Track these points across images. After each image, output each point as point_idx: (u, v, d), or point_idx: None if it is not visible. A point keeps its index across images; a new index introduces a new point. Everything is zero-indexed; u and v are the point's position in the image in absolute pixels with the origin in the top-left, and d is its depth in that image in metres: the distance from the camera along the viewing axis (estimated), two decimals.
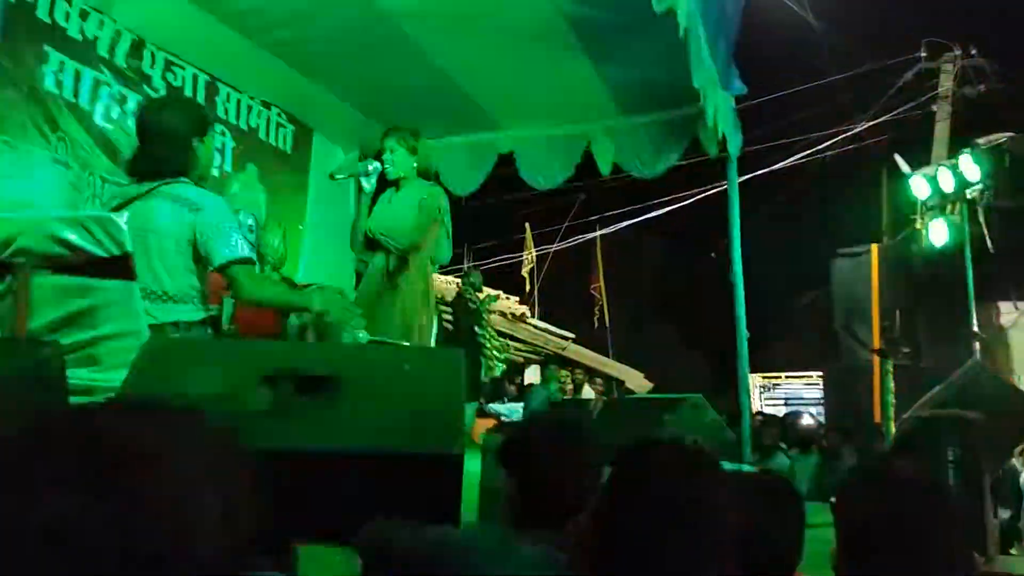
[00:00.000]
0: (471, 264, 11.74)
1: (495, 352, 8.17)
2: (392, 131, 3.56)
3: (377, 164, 3.42)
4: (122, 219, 1.99)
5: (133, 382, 1.59)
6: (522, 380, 12.31)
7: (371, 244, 3.47)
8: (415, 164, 3.48)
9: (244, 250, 2.31)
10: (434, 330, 3.56)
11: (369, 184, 3.39)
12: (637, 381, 12.74)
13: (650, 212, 13.71)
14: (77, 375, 1.86)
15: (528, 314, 12.20)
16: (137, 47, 4.10)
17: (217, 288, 2.48)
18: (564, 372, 11.71)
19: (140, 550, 0.50)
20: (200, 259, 2.29)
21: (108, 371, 1.92)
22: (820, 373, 13.36)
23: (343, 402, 1.61)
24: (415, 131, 3.60)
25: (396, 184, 3.50)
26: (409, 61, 4.41)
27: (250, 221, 4.86)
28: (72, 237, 1.96)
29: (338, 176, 3.47)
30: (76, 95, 3.78)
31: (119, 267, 1.97)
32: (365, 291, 3.44)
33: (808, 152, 11.71)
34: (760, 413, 9.77)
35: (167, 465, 0.54)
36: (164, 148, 2.33)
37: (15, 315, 1.92)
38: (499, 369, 8.14)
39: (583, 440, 1.50)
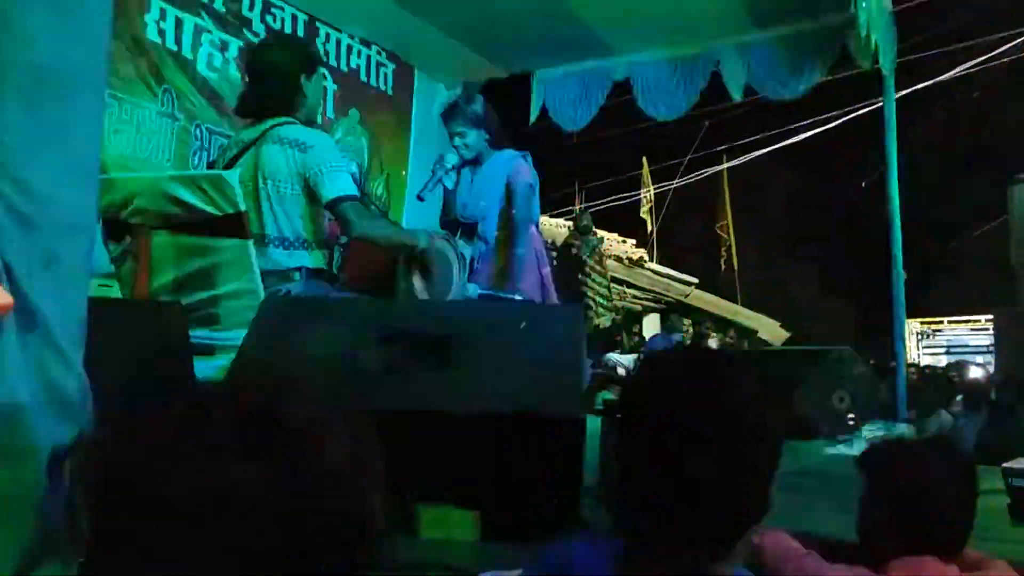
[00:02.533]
0: (583, 205, 11.66)
1: (600, 300, 8.09)
2: (452, 112, 3.55)
3: (451, 158, 3.43)
4: (234, 177, 2.11)
5: (253, 342, 1.70)
6: (640, 330, 12.25)
7: (467, 230, 3.51)
8: (487, 137, 3.46)
9: (352, 188, 2.42)
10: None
11: (452, 181, 3.44)
12: (772, 331, 12.35)
13: (787, 138, 12.98)
14: (198, 334, 2.01)
15: (646, 258, 12.03)
16: None
17: (334, 235, 2.60)
18: (687, 321, 11.55)
19: (310, 514, 0.55)
20: (315, 200, 2.40)
21: (228, 330, 2.06)
22: (990, 317, 12.42)
23: (458, 363, 1.66)
24: (472, 95, 3.60)
25: (474, 162, 3.50)
26: None
27: (354, 168, 5.01)
28: (187, 196, 2.10)
29: (426, 194, 3.44)
30: (179, 44, 3.97)
31: (234, 226, 2.10)
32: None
33: (978, 60, 10.65)
34: (917, 365, 9.26)
35: (322, 436, 0.59)
36: (272, 87, 2.44)
37: (137, 276, 2.09)
38: (607, 319, 8.03)
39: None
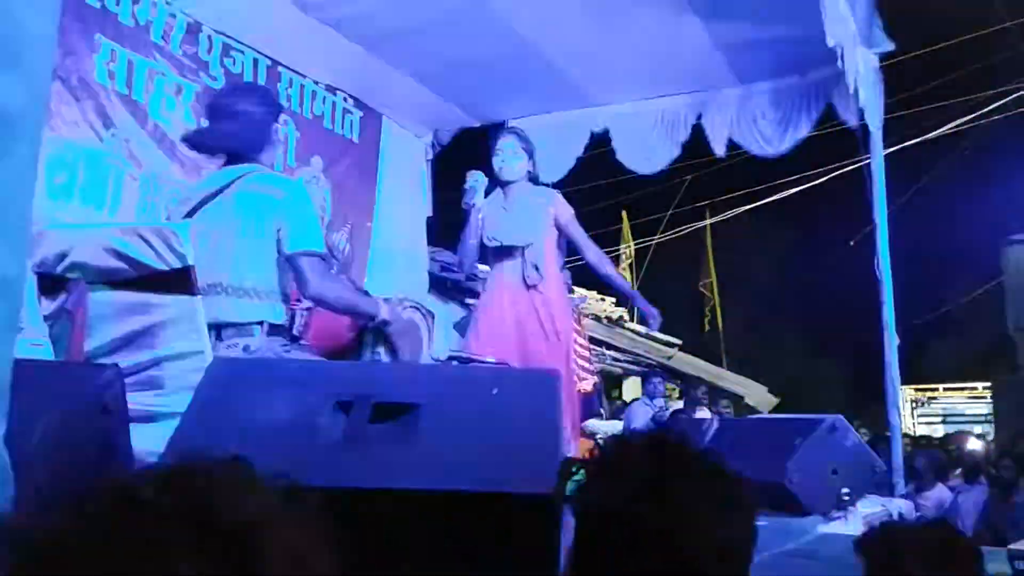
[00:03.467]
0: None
1: (581, 363, 8.10)
2: (508, 132, 3.81)
3: (480, 176, 3.63)
4: (184, 229, 2.09)
5: (198, 408, 1.65)
6: (620, 395, 12.22)
7: (495, 255, 3.66)
8: (529, 169, 3.69)
9: (319, 243, 2.42)
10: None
11: (479, 199, 3.60)
12: (760, 396, 12.40)
13: (772, 194, 13.29)
14: (138, 400, 1.96)
15: (626, 318, 12.08)
16: (193, 31, 4.29)
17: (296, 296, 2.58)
18: (670, 385, 11.54)
19: None
20: (281, 250, 2.39)
21: (171, 395, 2.01)
22: (987, 384, 12.61)
23: (421, 432, 1.62)
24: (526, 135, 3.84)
25: (503, 188, 3.67)
26: (488, 29, 4.44)
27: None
28: (131, 249, 2.07)
29: (474, 202, 3.60)
30: (129, 87, 3.98)
31: (181, 280, 2.07)
32: (494, 305, 3.61)
33: (971, 116, 11.05)
34: (912, 435, 9.32)
35: (271, 531, 0.57)
36: (245, 131, 2.45)
37: (71, 335, 2.05)
38: (588, 383, 8.04)
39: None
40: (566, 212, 3.66)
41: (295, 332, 2.52)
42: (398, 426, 1.62)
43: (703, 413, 7.13)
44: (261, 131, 2.49)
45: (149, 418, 1.98)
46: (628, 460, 1.04)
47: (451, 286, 7.88)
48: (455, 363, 2.77)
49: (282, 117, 4.70)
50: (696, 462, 1.01)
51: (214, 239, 2.34)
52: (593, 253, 3.78)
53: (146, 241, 2.06)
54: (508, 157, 3.64)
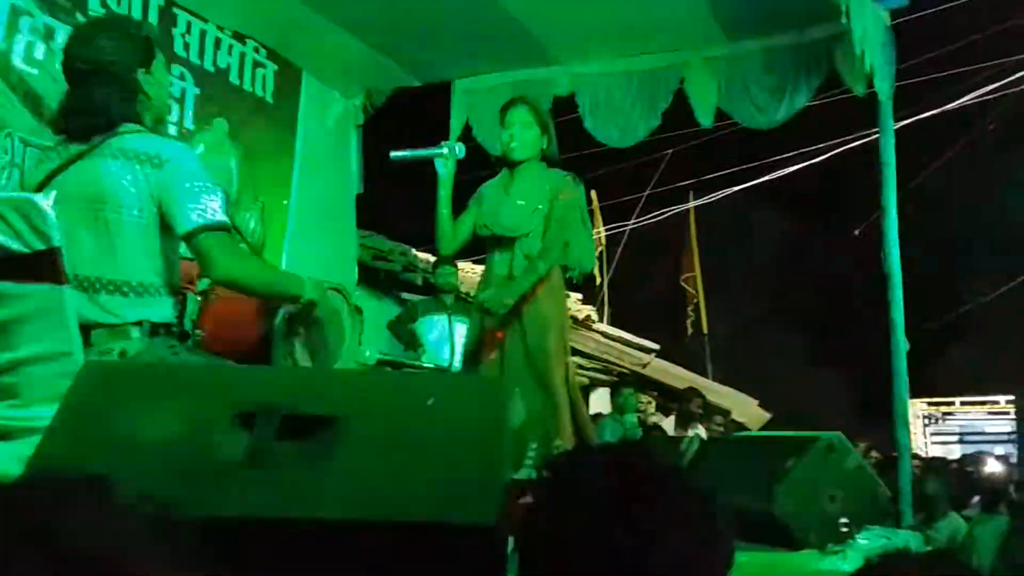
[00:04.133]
0: None
1: None
2: (520, 102, 3.85)
3: (460, 146, 3.76)
4: (46, 201, 2.04)
5: (65, 422, 1.62)
6: (587, 409, 12.29)
7: (489, 243, 3.80)
8: (543, 146, 3.77)
9: (222, 215, 2.37)
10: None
11: (447, 168, 3.69)
12: (748, 411, 12.60)
13: (766, 174, 13.49)
14: None
15: (595, 318, 12.16)
16: None
17: (188, 278, 2.53)
18: (645, 398, 11.66)
19: None
20: (169, 232, 2.34)
21: (31, 406, 1.97)
22: (1010, 398, 12.99)
23: (342, 450, 1.62)
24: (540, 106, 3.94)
25: (511, 169, 3.77)
26: None
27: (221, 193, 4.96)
28: None
29: (398, 156, 3.75)
30: None
31: (44, 267, 2.02)
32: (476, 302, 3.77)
33: (995, 84, 11.34)
34: (924, 456, 9.56)
35: (122, 564, 0.56)
36: (101, 88, 2.38)
37: None
38: None
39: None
40: (569, 197, 3.73)
41: (188, 325, 2.48)
42: (312, 443, 1.60)
43: (698, 432, 7.22)
44: (128, 85, 2.43)
45: (5, 434, 1.93)
46: (584, 480, 1.05)
47: (385, 278, 7.86)
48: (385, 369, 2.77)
49: (175, 69, 4.64)
50: (664, 481, 1.03)
51: (71, 221, 2.26)
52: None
53: (1, 217, 2.01)
54: (518, 131, 3.71)
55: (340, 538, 1.52)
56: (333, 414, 1.64)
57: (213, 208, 2.35)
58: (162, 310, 2.38)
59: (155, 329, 2.35)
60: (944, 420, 14.51)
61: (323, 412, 1.64)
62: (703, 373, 13.52)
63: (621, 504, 0.97)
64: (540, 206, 3.70)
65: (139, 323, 2.33)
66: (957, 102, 11.58)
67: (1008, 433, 12.77)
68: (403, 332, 6.41)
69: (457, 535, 1.48)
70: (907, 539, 3.80)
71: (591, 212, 14.51)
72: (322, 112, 5.72)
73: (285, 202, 5.47)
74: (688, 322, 15.32)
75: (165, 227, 2.36)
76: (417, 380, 2.20)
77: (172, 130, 4.64)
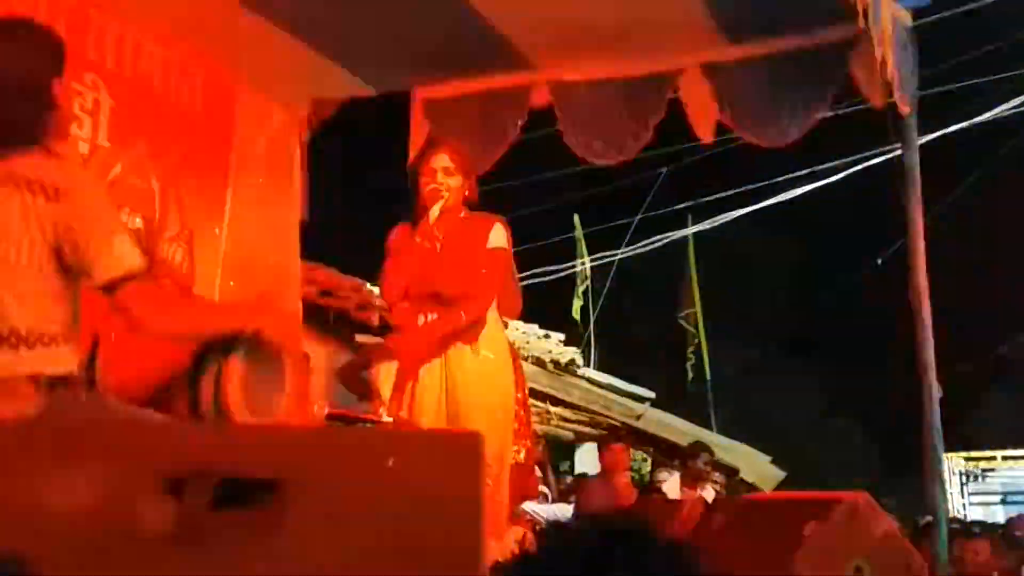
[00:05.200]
0: None
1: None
2: (436, 145, 4.29)
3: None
4: None
5: None
6: (571, 467, 12.27)
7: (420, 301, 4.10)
8: (466, 192, 4.17)
9: (133, 259, 2.37)
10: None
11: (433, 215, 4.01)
12: (759, 468, 12.63)
13: (775, 196, 13.62)
14: None
15: (580, 362, 12.18)
16: None
17: (94, 316, 2.52)
18: (639, 455, 11.66)
19: None
20: (68, 272, 2.33)
21: None
22: None
23: (288, 521, 1.61)
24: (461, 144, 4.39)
25: (434, 220, 4.06)
26: None
27: (136, 223, 4.92)
28: None
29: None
30: None
31: None
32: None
33: None
34: (963, 520, 9.60)
35: None
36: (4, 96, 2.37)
37: None
38: (518, 452, 8.14)
39: None
40: (501, 242, 4.13)
41: (92, 376, 2.47)
42: (253, 513, 1.60)
43: (706, 492, 7.22)
44: (35, 97, 2.42)
45: None
46: (571, 557, 1.06)
47: (335, 318, 7.84)
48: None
49: (87, 77, 4.61)
50: (663, 558, 1.03)
51: None
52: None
53: None
54: (441, 178, 4.05)
55: None
56: (278, 478, 1.63)
57: (127, 252, 2.35)
58: (61, 360, 2.36)
59: (53, 383, 2.32)
60: (984, 478, 14.59)
61: (266, 476, 1.64)
62: (706, 425, 13.54)
63: None
64: (478, 257, 4.09)
65: (35, 377, 2.30)
66: (990, 112, 11.75)
67: None
68: (357, 381, 6.38)
69: None
70: None
71: (574, 240, 14.61)
72: (260, 126, 5.71)
73: (217, 230, 5.43)
74: (688, 366, 15.37)
75: (62, 267, 2.33)
76: (375, 437, 2.19)
77: (84, 148, 4.61)
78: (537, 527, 6.51)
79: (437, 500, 1.66)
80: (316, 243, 6.67)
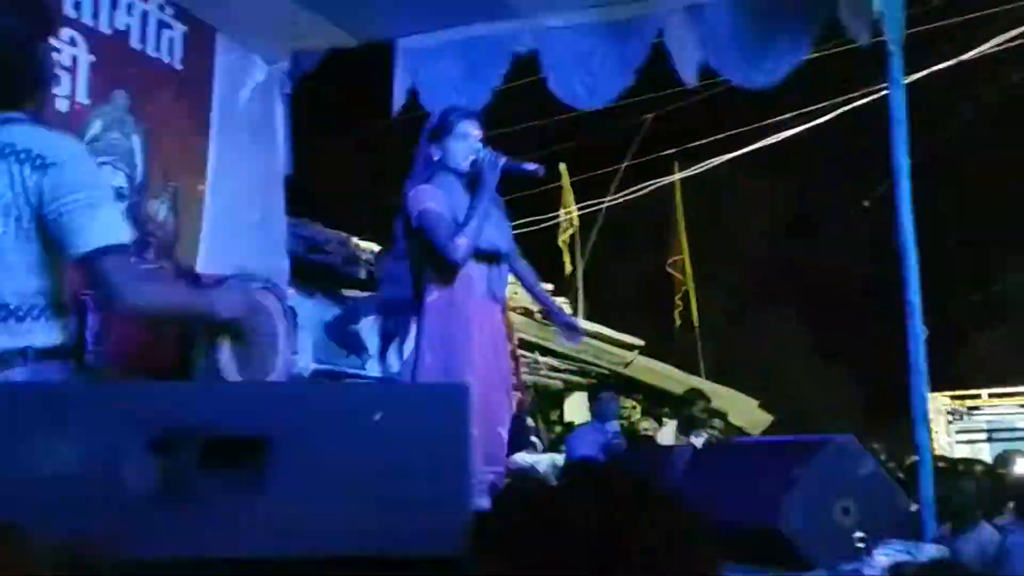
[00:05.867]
0: None
1: None
2: (466, 114, 4.11)
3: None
4: None
5: None
6: (561, 416, 12.34)
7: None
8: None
9: (119, 232, 2.33)
10: None
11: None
12: (748, 413, 12.73)
13: (761, 140, 13.58)
14: None
15: (568, 311, 12.20)
16: None
17: (80, 292, 2.50)
18: (629, 403, 11.73)
19: None
20: (53, 244, 2.30)
21: None
22: None
23: (275, 478, 1.61)
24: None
25: (459, 179, 3.97)
26: None
27: (120, 180, 4.89)
28: None
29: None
30: None
31: None
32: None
33: (1020, 30, 11.48)
34: (948, 458, 9.69)
35: None
36: None
37: None
38: None
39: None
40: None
41: (85, 346, 2.45)
42: (239, 471, 1.60)
43: (699, 439, 7.26)
44: (19, 62, 2.38)
45: None
46: (560, 508, 1.05)
47: (322, 273, 7.82)
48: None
49: (65, 33, 4.56)
50: (660, 511, 1.04)
51: None
52: (523, 265, 4.34)
53: None
54: (475, 143, 3.95)
55: None
56: (263, 436, 1.64)
57: (112, 222, 2.31)
58: (48, 333, 2.34)
59: (42, 355, 2.31)
60: (970, 416, 14.68)
61: (251, 434, 1.64)
62: (695, 371, 13.62)
63: (589, 535, 0.99)
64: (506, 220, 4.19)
65: (23, 351, 2.28)
66: (977, 50, 11.69)
67: None
68: (345, 336, 6.38)
69: (415, 570, 1.48)
70: (931, 553, 3.85)
71: (560, 188, 14.56)
72: (241, 80, 5.66)
73: (201, 187, 5.40)
74: (676, 313, 15.41)
75: (48, 239, 2.31)
76: (361, 392, 2.19)
77: (63, 105, 4.57)
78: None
79: (424, 452, 1.67)
80: (302, 198, 6.64)
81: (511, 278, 4.32)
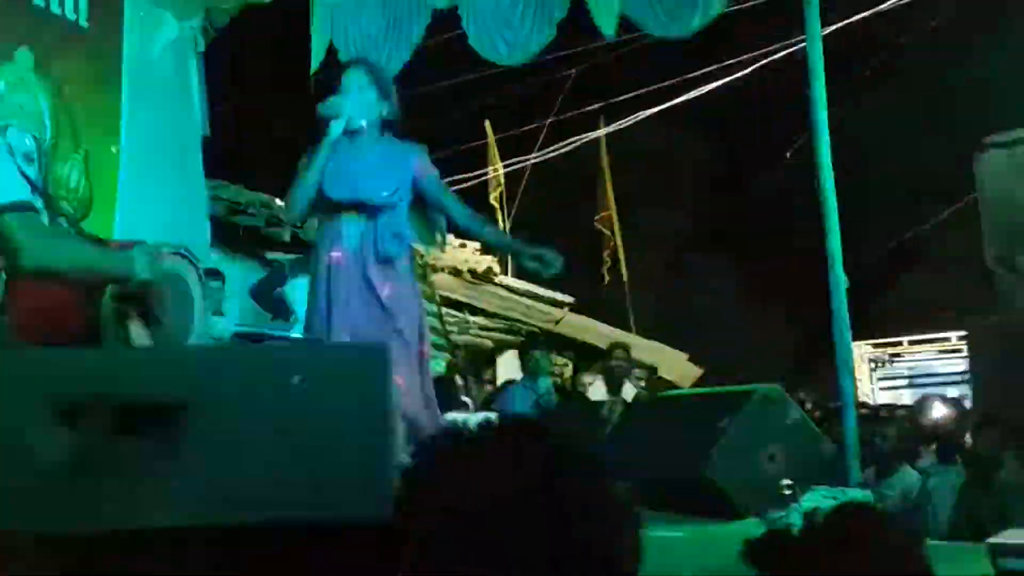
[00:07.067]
0: None
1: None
2: (354, 65, 4.10)
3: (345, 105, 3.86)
4: None
5: None
6: (494, 375, 12.36)
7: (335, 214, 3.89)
8: (383, 113, 3.93)
9: (18, 188, 2.29)
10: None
11: (336, 130, 3.81)
12: (677, 366, 12.88)
13: (683, 94, 13.66)
14: None
15: (496, 269, 12.21)
16: None
17: None
18: (560, 360, 11.78)
19: None
20: None
21: None
22: (963, 334, 13.57)
23: (192, 444, 1.59)
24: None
25: (349, 138, 3.88)
26: None
27: (27, 142, 4.75)
28: None
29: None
30: None
31: None
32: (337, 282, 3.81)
33: None
34: (871, 404, 9.92)
35: None
36: None
37: None
38: (440, 363, 8.20)
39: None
40: (430, 169, 3.97)
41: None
42: (153, 439, 1.57)
43: (627, 391, 7.31)
44: None
45: None
46: (481, 464, 1.04)
47: (244, 235, 7.70)
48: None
49: None
50: (575, 475, 1.03)
51: None
52: (461, 213, 4.08)
53: None
54: (355, 97, 3.84)
55: (199, 550, 1.49)
56: (178, 402, 1.60)
57: (10, 179, 2.26)
58: None
59: None
60: (892, 363, 14.99)
61: (166, 400, 1.61)
62: (624, 326, 13.72)
63: (507, 495, 0.98)
64: (402, 175, 3.90)
65: None
66: (888, 2, 11.86)
67: (961, 373, 13.29)
68: (270, 299, 6.31)
69: (340, 535, 1.47)
70: (857, 498, 3.94)
71: (485, 145, 14.50)
72: (152, 37, 5.52)
73: (114, 149, 5.28)
74: (604, 269, 15.49)
75: None
76: (280, 354, 2.16)
77: None
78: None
79: (346, 413, 1.65)
80: (221, 160, 6.51)
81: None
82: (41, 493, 1.49)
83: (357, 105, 3.84)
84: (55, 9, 4.97)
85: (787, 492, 3.61)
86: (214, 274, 4.76)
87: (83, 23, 5.12)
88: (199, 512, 1.50)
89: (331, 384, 1.69)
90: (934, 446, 6.56)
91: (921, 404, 7.23)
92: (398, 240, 3.82)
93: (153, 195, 5.40)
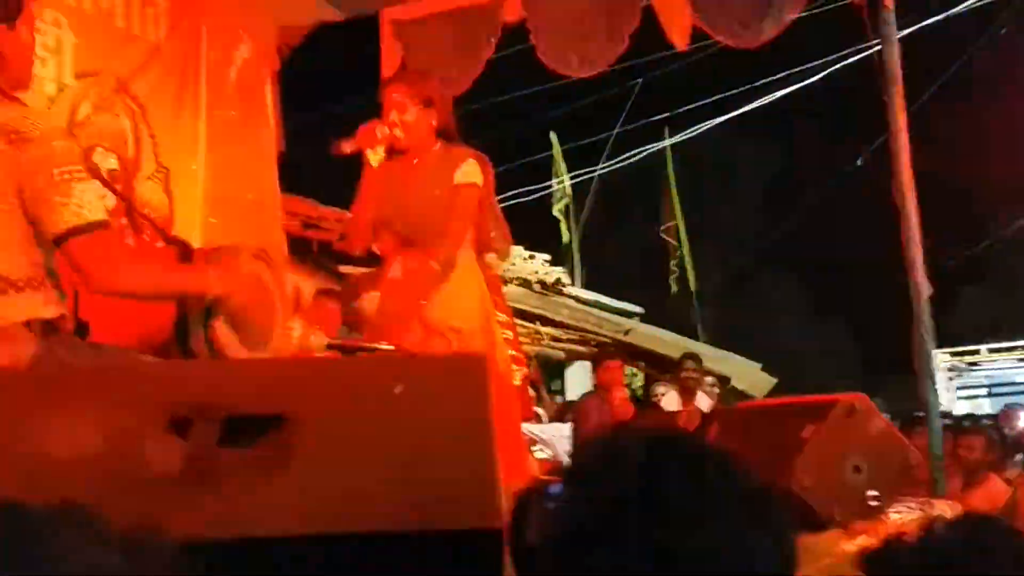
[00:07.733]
0: None
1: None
2: (395, 81, 3.94)
3: (384, 129, 3.75)
4: None
5: None
6: (563, 386, 12.36)
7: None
8: (433, 122, 3.78)
9: (90, 210, 2.31)
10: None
11: (376, 156, 3.74)
12: (751, 377, 12.74)
13: (753, 101, 13.53)
14: None
15: (566, 280, 12.20)
16: None
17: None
18: (631, 370, 11.73)
19: None
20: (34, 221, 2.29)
21: None
22: None
23: (298, 454, 1.60)
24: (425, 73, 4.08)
25: (407, 155, 3.80)
26: None
27: (111, 163, 4.85)
28: None
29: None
30: None
31: None
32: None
33: None
34: (950, 414, 9.74)
35: None
36: None
37: None
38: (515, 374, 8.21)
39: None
40: (471, 178, 3.77)
41: (79, 321, 2.44)
42: (260, 450, 1.60)
43: (702, 402, 7.27)
44: None
45: None
46: (621, 473, 1.03)
47: (318, 249, 7.80)
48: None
49: (48, 14, 4.51)
50: (717, 465, 1.02)
51: None
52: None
53: None
54: (399, 116, 3.72)
55: (307, 559, 1.50)
56: (283, 413, 1.62)
57: (86, 203, 2.29)
58: (47, 305, 2.33)
59: (47, 328, 2.30)
60: (970, 372, 14.71)
61: (271, 411, 1.62)
62: (693, 336, 13.64)
63: (652, 492, 0.97)
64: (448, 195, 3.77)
65: (26, 323, 2.27)
66: (964, 4, 11.67)
67: None
68: (345, 311, 6.36)
69: (451, 544, 1.48)
70: (944, 510, 3.87)
71: (551, 158, 14.52)
72: (229, 57, 5.60)
73: (194, 166, 5.36)
74: (672, 279, 15.41)
75: (30, 216, 2.29)
76: (378, 365, 2.18)
77: (50, 88, 4.53)
78: (536, 448, 6.58)
79: (447, 425, 1.66)
80: (294, 175, 6.60)
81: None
82: (157, 500, 1.51)
83: (402, 125, 3.76)
84: (136, 30, 5.08)
85: (873, 504, 3.56)
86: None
87: (163, 44, 5.22)
88: (313, 521, 1.52)
89: (431, 394, 1.70)
90: (1020, 456, 6.44)
91: (1007, 414, 7.10)
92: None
93: (232, 212, 5.48)
